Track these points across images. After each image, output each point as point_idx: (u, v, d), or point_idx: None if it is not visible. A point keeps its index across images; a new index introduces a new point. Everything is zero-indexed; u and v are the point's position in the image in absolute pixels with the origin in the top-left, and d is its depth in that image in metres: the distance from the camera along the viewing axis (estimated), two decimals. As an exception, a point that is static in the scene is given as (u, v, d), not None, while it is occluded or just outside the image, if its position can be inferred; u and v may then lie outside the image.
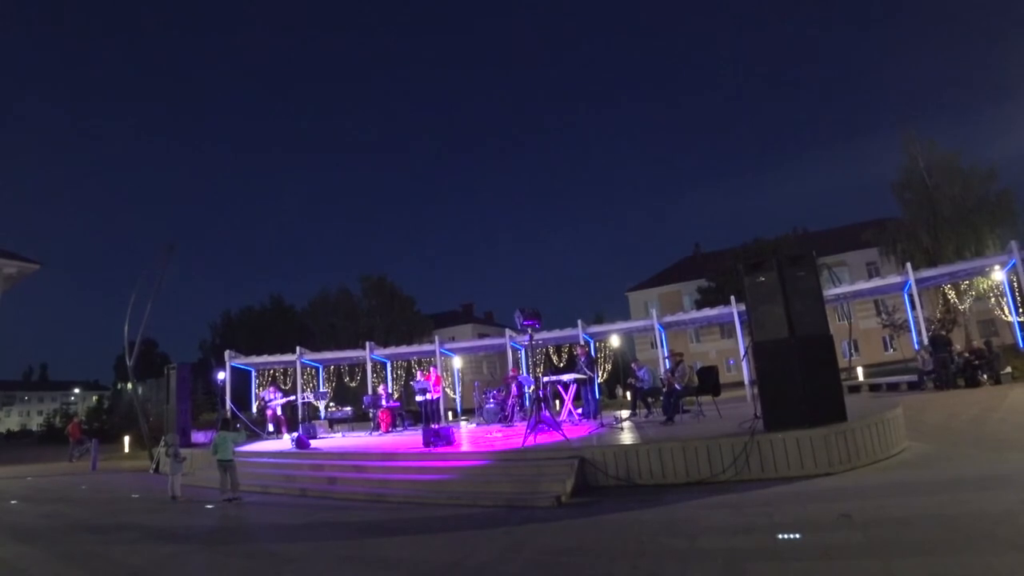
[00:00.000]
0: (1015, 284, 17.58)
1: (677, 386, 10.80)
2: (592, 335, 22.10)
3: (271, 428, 16.96)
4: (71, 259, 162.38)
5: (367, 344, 22.95)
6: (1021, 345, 18.11)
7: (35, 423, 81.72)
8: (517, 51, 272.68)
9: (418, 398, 15.59)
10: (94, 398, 75.74)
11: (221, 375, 21.34)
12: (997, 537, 4.06)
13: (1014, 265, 16.99)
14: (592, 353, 20.23)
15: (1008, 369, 15.39)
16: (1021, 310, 17.56)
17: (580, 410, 13.28)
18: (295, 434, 13.36)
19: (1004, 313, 18.77)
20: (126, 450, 23.11)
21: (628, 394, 14.71)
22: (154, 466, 15.39)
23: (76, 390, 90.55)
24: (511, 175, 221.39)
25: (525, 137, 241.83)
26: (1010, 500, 4.91)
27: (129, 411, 29.60)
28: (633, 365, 13.99)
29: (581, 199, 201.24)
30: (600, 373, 20.99)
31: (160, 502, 9.61)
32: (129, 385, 27.90)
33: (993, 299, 19.56)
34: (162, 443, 14.95)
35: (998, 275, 18.18)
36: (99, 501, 10.83)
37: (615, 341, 23.20)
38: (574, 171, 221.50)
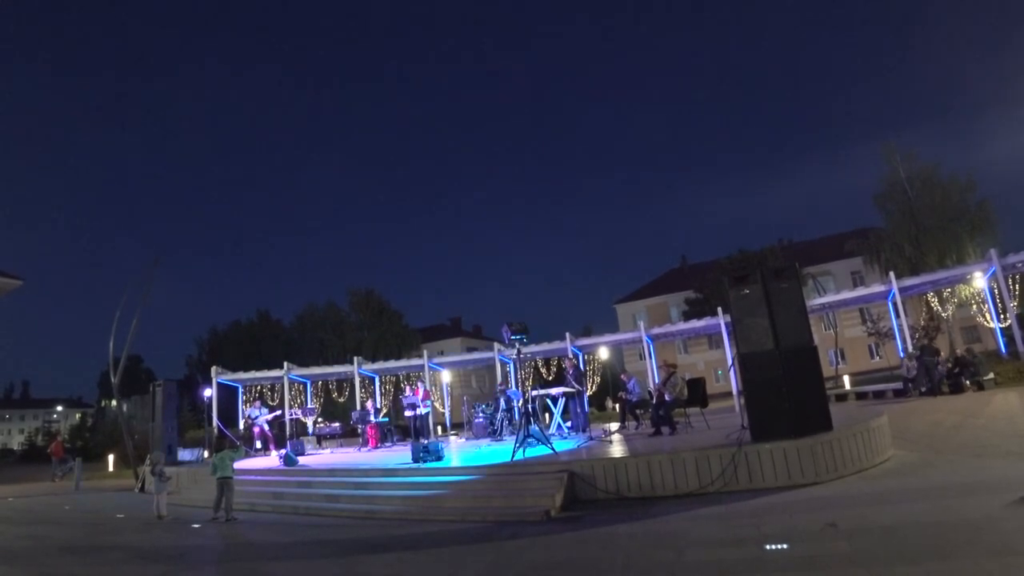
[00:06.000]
0: (996, 291, 17.86)
1: (668, 397, 10.79)
2: (580, 348, 22.14)
3: (258, 445, 16.81)
4: (54, 274, 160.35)
5: (355, 359, 22.84)
6: (1003, 351, 18.37)
7: (16, 442, 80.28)
8: (503, 62, 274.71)
9: (407, 413, 15.53)
10: (77, 416, 74.51)
11: (207, 392, 21.13)
12: (980, 544, 4.12)
13: (994, 272, 17.29)
14: (580, 366, 20.28)
15: (991, 375, 15.58)
16: (1002, 317, 17.82)
17: (569, 423, 13.29)
18: (283, 451, 13.26)
19: (986, 320, 19.05)
20: (110, 469, 22.76)
21: (617, 406, 14.75)
22: (139, 485, 15.18)
23: (59, 407, 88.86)
24: (497, 189, 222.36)
25: (511, 150, 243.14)
26: (992, 506, 4.98)
27: (113, 429, 29.19)
28: (623, 376, 14.03)
29: (568, 211, 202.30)
30: (589, 386, 21.00)
31: (146, 522, 9.48)
32: (113, 402, 27.57)
33: (975, 306, 19.85)
34: (147, 461, 14.77)
35: (979, 282, 18.46)
36: (83, 521, 10.67)
37: (604, 353, 23.24)
38: (561, 183, 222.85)
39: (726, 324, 19.29)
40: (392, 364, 24.50)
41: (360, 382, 22.34)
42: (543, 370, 23.90)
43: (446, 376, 25.02)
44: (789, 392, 7.32)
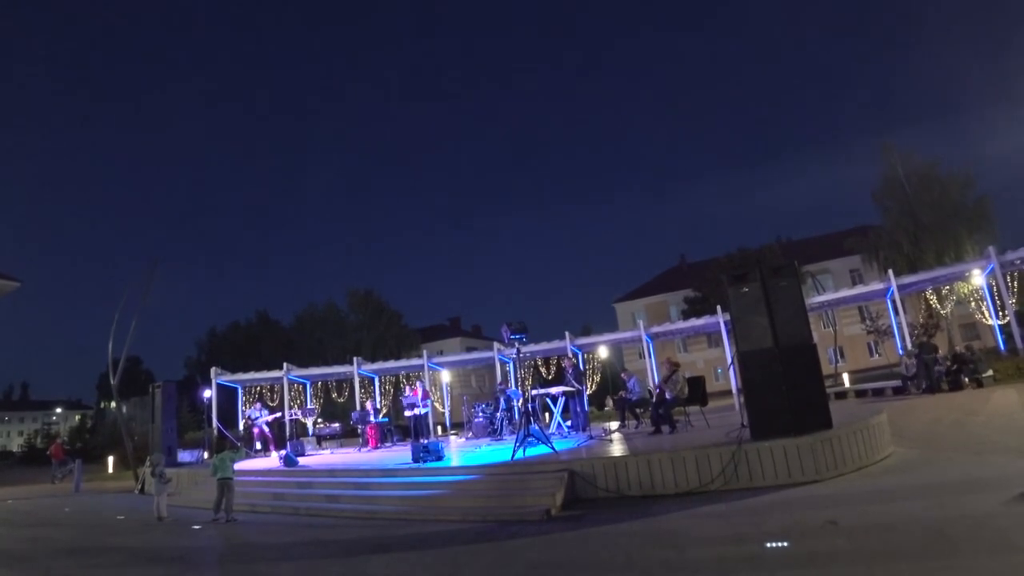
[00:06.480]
0: (994, 288, 17.88)
1: (668, 396, 10.77)
2: (580, 347, 22.16)
3: (258, 446, 16.81)
4: (53, 275, 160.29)
5: (354, 359, 22.84)
6: (1002, 348, 18.38)
7: (16, 444, 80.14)
8: (502, 63, 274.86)
9: (407, 413, 15.52)
10: (77, 417, 74.58)
11: (207, 392, 21.10)
12: (979, 540, 4.13)
13: (993, 270, 17.30)
14: (580, 365, 20.29)
15: (990, 372, 15.60)
16: (1001, 314, 17.84)
17: (569, 422, 13.29)
18: (283, 451, 13.26)
19: (985, 317, 19.07)
20: (110, 470, 22.77)
21: (614, 405, 14.76)
22: (139, 486, 15.18)
23: (58, 409, 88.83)
24: (496, 188, 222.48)
25: (510, 150, 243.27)
26: (991, 503, 4.98)
27: (113, 430, 29.16)
28: (623, 375, 14.01)
29: (567, 210, 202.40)
30: (588, 385, 21.01)
31: (146, 523, 9.47)
32: (113, 404, 27.53)
33: (973, 303, 19.87)
34: (147, 463, 14.75)
35: (978, 280, 18.48)
36: (83, 523, 10.66)
37: (603, 352, 23.26)
38: (560, 182, 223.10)
39: (725, 322, 19.31)
40: (391, 364, 24.52)
41: (360, 382, 22.34)
42: (543, 369, 23.93)
43: (446, 376, 25.03)
44: (789, 390, 7.32)
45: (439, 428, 23.15)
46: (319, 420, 20.12)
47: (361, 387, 22.33)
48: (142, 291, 20.59)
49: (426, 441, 11.03)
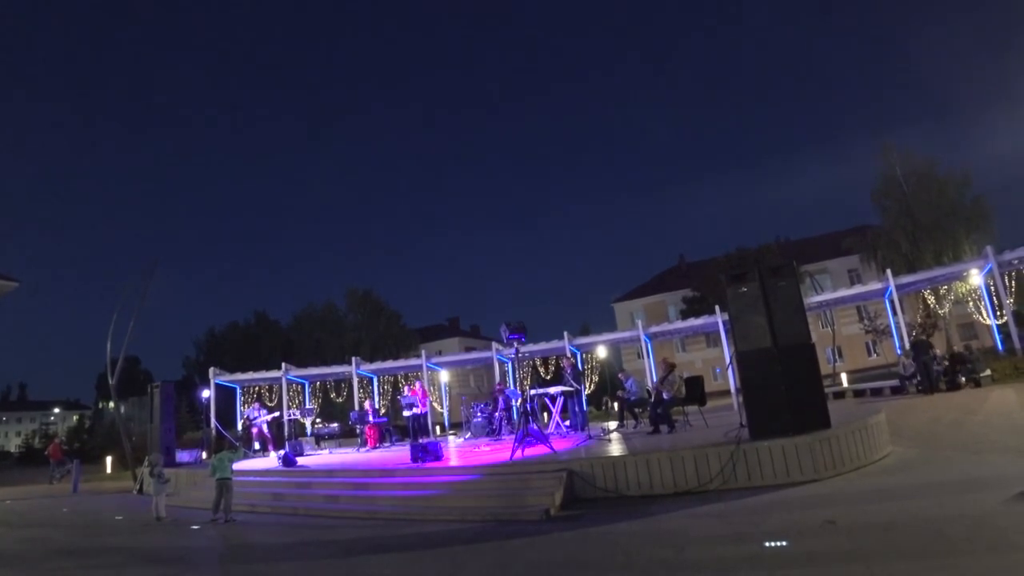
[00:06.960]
0: (992, 288, 17.90)
1: (666, 395, 10.77)
2: (578, 347, 22.14)
3: (257, 446, 16.79)
4: (50, 275, 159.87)
5: (353, 359, 22.81)
6: (1000, 348, 18.41)
7: (13, 444, 79.99)
8: (502, 63, 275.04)
9: (405, 413, 15.51)
10: (75, 418, 74.39)
11: (205, 393, 21.06)
12: (978, 539, 4.14)
13: (990, 269, 17.31)
14: (579, 365, 20.28)
15: (988, 372, 15.61)
16: (999, 314, 17.86)
17: (568, 422, 13.28)
18: (282, 451, 13.24)
19: (983, 317, 19.08)
20: (108, 471, 22.71)
21: (616, 405, 14.75)
22: (138, 487, 15.14)
23: (56, 409, 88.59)
24: (494, 188, 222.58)
25: (509, 150, 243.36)
26: (990, 502, 4.99)
27: (111, 431, 29.13)
28: (620, 376, 14.01)
29: (566, 210, 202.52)
30: (587, 385, 21.00)
31: (145, 524, 9.46)
32: (111, 404, 27.52)
33: (971, 303, 19.88)
34: (146, 463, 14.70)
35: (976, 279, 18.48)
36: (82, 524, 10.64)
37: (601, 352, 23.25)
38: (559, 182, 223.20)
39: (724, 322, 19.30)
40: (390, 364, 24.47)
41: (358, 382, 22.31)
42: (541, 369, 23.91)
43: (444, 376, 25.01)
44: (787, 390, 7.34)
45: (437, 428, 23.14)
46: (318, 420, 20.08)
47: (360, 387, 22.30)
48: (141, 291, 20.58)
49: (425, 441, 11.04)
